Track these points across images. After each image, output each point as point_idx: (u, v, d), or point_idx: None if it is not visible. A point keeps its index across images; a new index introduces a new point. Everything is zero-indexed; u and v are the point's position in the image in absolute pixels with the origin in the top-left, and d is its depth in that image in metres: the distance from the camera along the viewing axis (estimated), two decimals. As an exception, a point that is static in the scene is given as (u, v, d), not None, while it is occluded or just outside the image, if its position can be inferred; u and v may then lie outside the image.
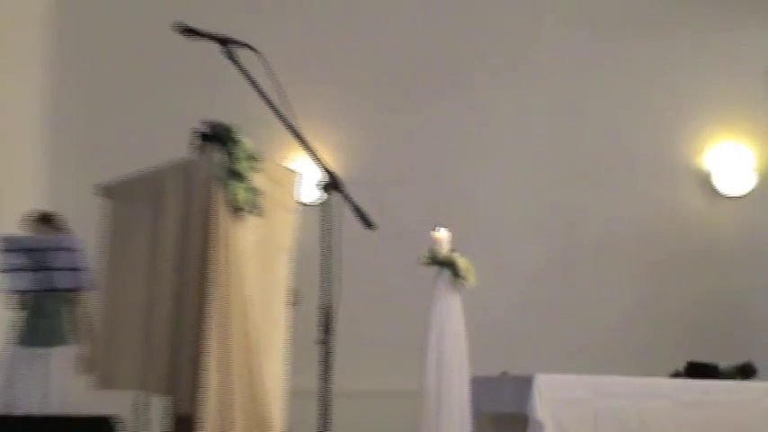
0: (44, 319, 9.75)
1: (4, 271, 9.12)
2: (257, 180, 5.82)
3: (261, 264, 5.92)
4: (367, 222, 5.42)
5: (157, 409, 7.47)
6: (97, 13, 13.01)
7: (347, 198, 5.52)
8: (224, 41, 5.76)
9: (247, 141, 5.73)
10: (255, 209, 5.82)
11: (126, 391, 6.68)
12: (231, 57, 5.70)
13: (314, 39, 11.73)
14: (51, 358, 9.58)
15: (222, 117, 5.88)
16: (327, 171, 5.55)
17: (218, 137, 5.74)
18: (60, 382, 9.65)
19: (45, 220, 9.96)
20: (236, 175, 5.69)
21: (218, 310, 5.57)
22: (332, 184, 5.55)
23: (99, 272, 6.30)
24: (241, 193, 5.71)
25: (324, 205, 5.57)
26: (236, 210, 5.71)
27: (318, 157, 5.56)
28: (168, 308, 5.72)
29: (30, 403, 9.41)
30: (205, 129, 5.82)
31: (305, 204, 6.29)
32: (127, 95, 12.29)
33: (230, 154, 5.69)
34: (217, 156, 5.69)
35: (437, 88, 11.48)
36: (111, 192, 5.97)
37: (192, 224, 5.72)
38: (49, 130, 12.90)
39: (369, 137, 11.21)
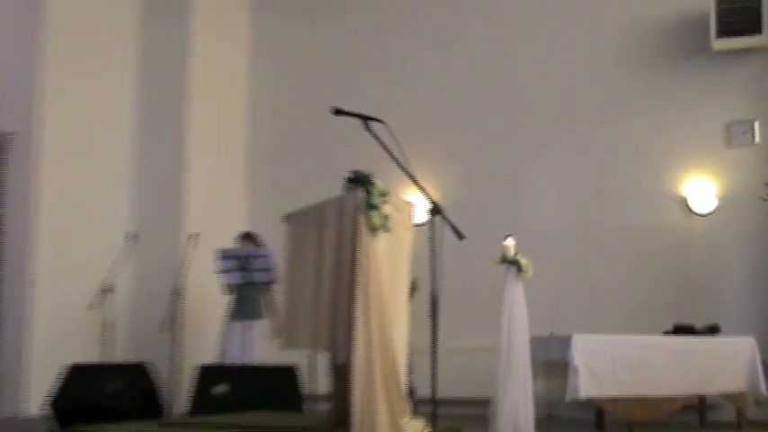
0: (246, 303, 10.08)
1: (222, 272, 9.49)
2: (386, 209, 5.94)
3: (389, 264, 6.03)
4: (459, 234, 5.79)
5: (323, 361, 7.77)
6: (281, 91, 13.67)
7: (445, 218, 5.86)
8: (362, 117, 6.01)
9: (380, 183, 5.87)
10: (385, 228, 5.97)
11: (302, 349, 6.88)
12: (367, 127, 5.98)
13: (420, 109, 12.07)
14: (252, 328, 9.86)
15: (363, 167, 6.06)
16: (432, 201, 5.87)
17: (360, 180, 5.89)
18: (258, 343, 9.91)
19: (247, 237, 10.47)
20: (373, 207, 5.82)
21: (362, 293, 5.71)
22: (435, 210, 5.89)
23: (283, 271, 6.52)
24: (376, 219, 5.85)
25: (430, 224, 5.84)
26: (373, 229, 5.83)
27: (425, 191, 5.92)
28: (329, 293, 5.87)
29: (239, 357, 9.69)
30: (352, 175, 6.01)
31: (418, 224, 6.46)
32: (303, 150, 12.98)
33: (368, 192, 5.83)
34: (360, 193, 5.85)
35: (504, 142, 11.91)
36: (290, 218, 6.19)
37: (343, 239, 5.86)
38: (251, 175, 13.43)
39: (458, 176, 11.75)
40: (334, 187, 6.25)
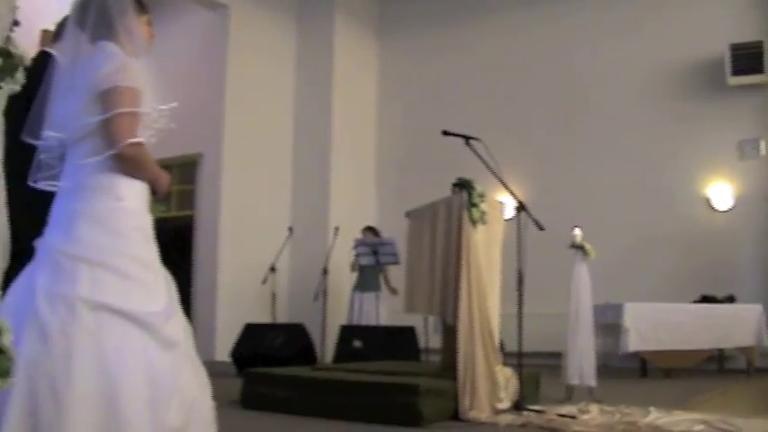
0: (369, 278, 10.02)
1: (358, 255, 9.49)
2: (483, 206, 5.90)
3: (485, 249, 5.99)
4: (539, 226, 5.69)
5: (432, 323, 7.71)
6: (403, 112, 13.74)
7: (529, 214, 5.75)
8: (464, 137, 5.97)
9: (478, 186, 5.85)
10: (483, 221, 5.92)
11: (419, 313, 6.87)
12: (468, 144, 5.92)
13: (511, 127, 12.12)
14: (377, 297, 9.84)
15: (465, 174, 6.02)
16: (518, 200, 5.76)
17: (464, 185, 5.86)
18: (383, 309, 9.91)
19: (370, 229, 10.48)
20: (473, 205, 5.78)
21: (465, 271, 5.70)
22: (521, 207, 5.77)
23: (404, 254, 6.50)
24: (475, 214, 5.81)
25: (517, 218, 5.75)
26: (473, 222, 5.80)
27: (513, 192, 5.82)
28: (440, 271, 5.85)
29: (367, 320, 9.69)
30: (457, 181, 5.97)
31: (507, 219, 6.40)
32: (419, 160, 13.13)
33: (470, 194, 5.79)
34: (463, 195, 5.82)
35: (572, 154, 12.00)
36: (411, 214, 6.17)
37: (451, 230, 5.83)
38: (379, 181, 13.50)
39: (538, 180, 11.66)
40: (443, 190, 6.22)
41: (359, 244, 10.14)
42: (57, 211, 2.79)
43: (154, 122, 2.89)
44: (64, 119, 2.81)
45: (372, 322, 10.06)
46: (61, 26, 3.68)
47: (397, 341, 8.85)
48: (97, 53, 2.89)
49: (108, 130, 2.75)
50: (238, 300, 11.64)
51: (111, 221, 2.75)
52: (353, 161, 13.29)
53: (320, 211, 12.64)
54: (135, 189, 2.84)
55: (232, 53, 12.38)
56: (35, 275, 2.63)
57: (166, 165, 12.16)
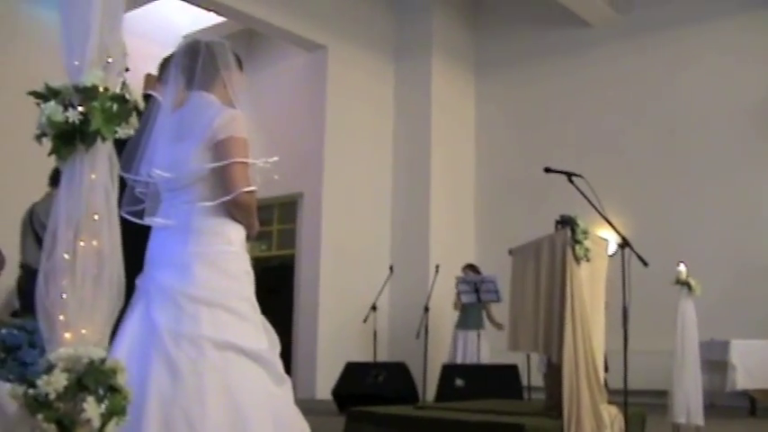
0: (471, 316, 10.09)
1: (461, 293, 9.59)
2: (587, 243, 5.88)
3: (589, 285, 5.96)
4: (644, 262, 5.65)
5: (535, 360, 7.70)
6: (500, 149, 13.75)
7: (632, 250, 5.72)
8: (566, 173, 5.99)
9: (582, 223, 5.85)
10: (587, 258, 5.90)
11: (524, 351, 6.87)
12: (570, 181, 5.93)
13: (610, 162, 12.07)
14: (479, 336, 9.88)
15: (565, 209, 6.04)
16: (621, 236, 5.74)
17: (567, 222, 5.86)
18: (484, 347, 9.94)
19: (470, 267, 10.52)
20: (577, 242, 5.78)
21: (569, 308, 5.68)
22: (624, 243, 5.74)
23: (507, 291, 6.52)
24: (579, 251, 5.80)
25: (621, 254, 5.74)
26: (577, 259, 5.78)
27: (616, 229, 5.81)
28: (544, 308, 5.84)
29: (470, 358, 9.73)
30: (559, 218, 5.97)
31: (611, 255, 6.38)
32: (516, 197, 13.07)
33: (573, 231, 5.79)
34: (567, 232, 5.82)
35: (673, 188, 12.00)
36: (514, 252, 6.17)
37: (555, 267, 5.81)
38: (478, 218, 13.56)
39: (640, 215, 11.42)
40: (541, 225, 6.26)
41: (460, 281, 10.21)
42: (165, 252, 2.96)
43: (259, 172, 3.08)
44: (173, 162, 2.97)
45: (474, 360, 10.06)
46: (163, 68, 3.88)
47: (500, 379, 8.86)
48: (201, 102, 3.11)
49: (224, 178, 2.96)
50: (339, 338, 11.80)
51: (225, 264, 2.96)
52: (452, 199, 13.36)
53: (420, 249, 12.72)
54: (240, 234, 3.07)
55: (331, 93, 12.67)
56: (151, 314, 2.79)
57: (268, 204, 12.52)
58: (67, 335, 1.76)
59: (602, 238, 6.51)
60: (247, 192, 2.96)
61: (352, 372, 9.91)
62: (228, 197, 2.94)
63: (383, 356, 11.66)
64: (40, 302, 1.78)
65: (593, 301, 6.00)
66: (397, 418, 6.12)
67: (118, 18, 2.27)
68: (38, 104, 2.04)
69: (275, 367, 2.94)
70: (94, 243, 1.89)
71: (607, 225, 5.98)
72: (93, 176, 1.95)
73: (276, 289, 12.51)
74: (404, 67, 13.67)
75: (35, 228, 6.09)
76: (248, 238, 3.12)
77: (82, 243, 1.85)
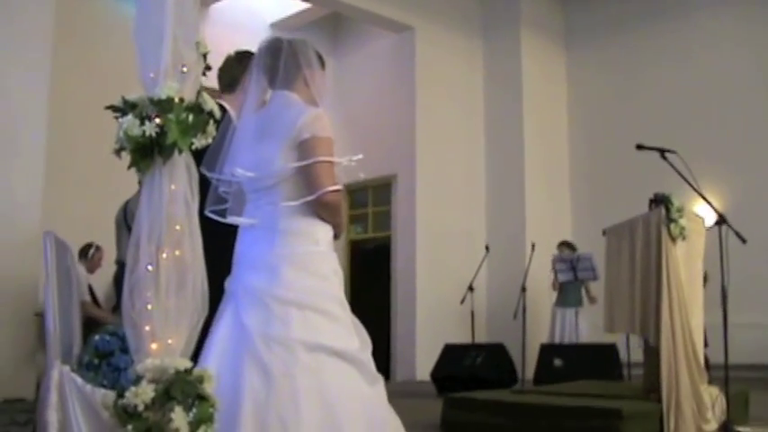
0: (570, 294, 10.00)
1: (557, 271, 9.58)
2: (682, 221, 5.78)
3: (686, 264, 5.85)
4: (741, 239, 5.54)
5: (633, 340, 7.63)
6: (593, 126, 13.50)
7: (729, 226, 5.61)
8: (659, 150, 5.92)
9: (677, 201, 5.75)
10: (682, 237, 5.80)
11: (621, 332, 6.80)
12: (664, 157, 5.86)
13: (706, 137, 11.64)
14: (578, 314, 9.82)
15: (661, 185, 5.95)
16: (718, 213, 5.64)
17: (661, 200, 5.77)
18: (582, 326, 9.90)
19: (566, 244, 10.53)
20: (672, 221, 5.68)
21: (666, 288, 5.59)
22: (721, 220, 5.61)
23: (602, 270, 6.46)
24: (675, 230, 5.70)
25: (718, 230, 5.65)
26: (673, 238, 5.69)
27: (712, 205, 5.71)
28: (640, 288, 5.75)
29: (569, 335, 9.70)
30: (654, 197, 5.87)
31: (707, 229, 6.25)
32: (611, 175, 12.83)
33: (668, 209, 5.69)
34: (662, 210, 5.73)
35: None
36: (609, 231, 6.10)
37: (650, 246, 5.72)
38: (572, 196, 13.53)
39: (736, 190, 10.95)
40: (637, 201, 6.16)
41: (557, 260, 10.22)
42: (252, 254, 2.98)
43: (344, 170, 3.09)
44: (257, 163, 2.99)
45: (573, 338, 10.08)
46: (221, 77, 3.96)
47: (599, 359, 8.79)
48: (284, 102, 3.13)
49: (308, 178, 2.97)
50: (437, 319, 11.87)
51: (313, 265, 3.00)
52: (547, 177, 13.24)
53: (516, 227, 12.67)
54: (328, 233, 3.10)
55: (420, 73, 12.69)
56: (241, 317, 2.83)
57: (362, 187, 12.63)
58: (154, 345, 1.84)
59: (697, 215, 6.35)
60: (333, 191, 2.96)
61: (451, 353, 9.94)
62: (313, 196, 2.95)
63: (481, 337, 11.65)
64: (127, 314, 1.87)
65: (690, 280, 5.90)
66: (493, 403, 6.14)
67: (192, 26, 2.30)
68: (116, 118, 2.12)
69: (367, 367, 2.95)
70: (177, 253, 1.96)
71: (703, 200, 5.88)
72: (173, 187, 2.03)
73: (373, 271, 12.72)
74: (492, 44, 13.56)
75: (129, 223, 6.27)
76: (336, 236, 3.14)
77: (164, 255, 1.92)
